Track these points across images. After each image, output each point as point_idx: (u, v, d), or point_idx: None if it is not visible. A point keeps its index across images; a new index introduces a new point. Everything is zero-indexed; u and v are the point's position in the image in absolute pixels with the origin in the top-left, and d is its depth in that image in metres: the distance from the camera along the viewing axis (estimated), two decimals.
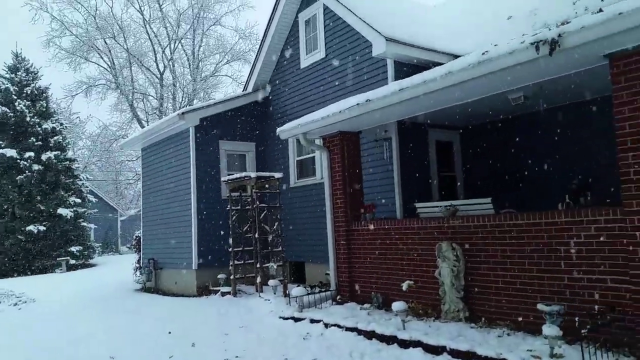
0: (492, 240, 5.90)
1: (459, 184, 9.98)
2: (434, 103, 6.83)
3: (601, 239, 4.89)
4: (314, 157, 10.98)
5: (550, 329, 4.27)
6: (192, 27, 31.55)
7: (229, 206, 10.35)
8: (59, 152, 22.61)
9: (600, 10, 4.67)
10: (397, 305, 5.80)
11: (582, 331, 4.21)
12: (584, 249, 5.02)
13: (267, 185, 10.40)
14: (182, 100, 31.71)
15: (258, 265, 9.80)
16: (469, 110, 8.31)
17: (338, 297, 7.91)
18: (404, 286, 6.51)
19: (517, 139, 8.85)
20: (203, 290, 11.00)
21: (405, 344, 5.42)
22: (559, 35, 4.77)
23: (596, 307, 4.59)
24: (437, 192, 9.49)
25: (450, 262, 6.05)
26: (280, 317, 7.44)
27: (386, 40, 8.66)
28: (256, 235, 9.85)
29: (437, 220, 6.65)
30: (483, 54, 5.51)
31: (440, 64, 7.98)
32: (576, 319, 4.51)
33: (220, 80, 34.31)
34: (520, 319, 5.52)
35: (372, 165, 9.29)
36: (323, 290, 8.12)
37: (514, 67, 5.28)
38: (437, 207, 6.90)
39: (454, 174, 9.98)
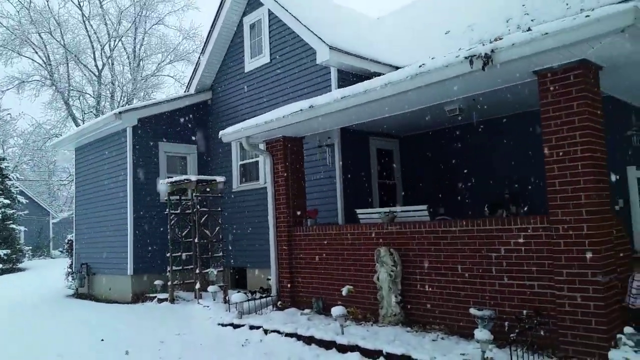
0: (428, 246, 6.08)
1: (398, 191, 10.22)
2: (374, 112, 6.97)
3: (530, 246, 5.15)
4: (257, 161, 10.90)
5: (481, 334, 4.44)
6: (134, 25, 30.54)
7: (167, 210, 10.07)
8: None
9: (529, 29, 4.95)
10: (336, 310, 5.85)
11: (511, 335, 4.41)
12: (513, 256, 5.27)
13: (208, 189, 10.21)
14: (121, 99, 30.57)
15: (197, 271, 9.59)
16: (408, 120, 8.56)
17: (279, 302, 7.87)
18: (344, 291, 6.57)
19: (453, 149, 9.20)
20: (139, 297, 10.62)
21: (343, 349, 5.47)
22: (492, 51, 5.00)
23: (524, 311, 4.82)
24: (378, 198, 9.68)
25: (388, 267, 6.18)
26: (219, 324, 7.30)
27: (330, 48, 8.77)
28: (196, 240, 9.64)
29: (376, 226, 6.78)
30: (420, 66, 5.69)
31: (382, 74, 8.17)
32: (506, 323, 4.72)
33: (162, 80, 33.46)
34: (454, 323, 5.71)
35: (315, 172, 9.34)
36: (264, 296, 8.06)
37: (450, 79, 5.48)
38: (377, 213, 7.04)
39: (394, 181, 10.22)
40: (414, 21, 12.21)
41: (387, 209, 6.95)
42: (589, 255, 4.63)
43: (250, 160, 11.16)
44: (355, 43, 9.63)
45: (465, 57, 5.20)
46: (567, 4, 8.28)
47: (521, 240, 5.20)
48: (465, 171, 8.94)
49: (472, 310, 5.14)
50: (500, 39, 5.19)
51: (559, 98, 4.96)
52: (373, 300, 6.50)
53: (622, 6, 4.34)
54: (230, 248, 11.09)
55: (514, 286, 5.22)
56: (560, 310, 4.76)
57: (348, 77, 9.17)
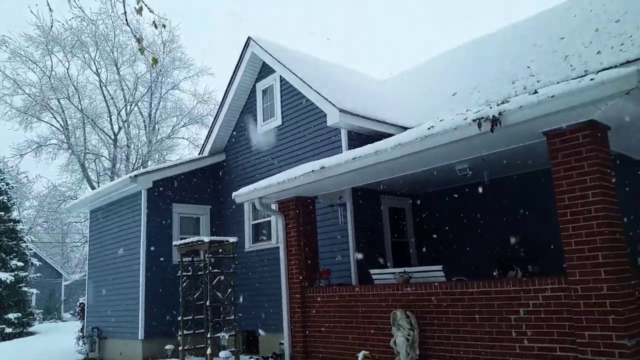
0: (445, 308, 5.96)
1: (411, 250, 10.14)
2: (384, 172, 7.08)
3: (549, 307, 5.04)
4: (269, 221, 10.95)
5: None
6: (150, 91, 31.68)
7: (179, 272, 10.03)
8: (3, 212, 21.56)
9: (536, 92, 5.09)
10: None
11: None
12: (532, 317, 5.15)
13: (220, 250, 10.20)
14: (136, 161, 31.22)
15: (209, 335, 9.41)
16: (420, 179, 8.63)
17: None
18: (360, 357, 6.40)
19: (466, 207, 9.19)
20: None
21: None
22: (500, 114, 5.13)
23: None
24: (392, 257, 9.60)
25: (405, 331, 6.04)
26: None
27: (340, 111, 9.03)
28: (207, 303, 9.53)
29: (391, 288, 6.68)
30: (429, 128, 5.84)
31: (390, 134, 8.37)
32: None
33: (177, 142, 34.08)
34: None
35: (328, 230, 9.35)
36: None
37: (458, 141, 5.59)
38: (392, 273, 6.97)
39: (407, 240, 10.16)
40: (420, 83, 12.57)
41: (401, 270, 6.88)
42: (611, 317, 4.52)
43: (263, 220, 11.21)
44: (365, 105, 9.90)
45: (474, 120, 5.33)
46: (571, 65, 8.51)
47: (540, 302, 5.10)
48: (478, 230, 8.89)
49: None
50: (508, 101, 5.34)
51: (569, 158, 5.02)
52: None
53: (625, 70, 4.49)
54: (242, 310, 10.93)
55: (535, 349, 5.07)
56: None
57: (357, 138, 9.36)
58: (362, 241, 9.02)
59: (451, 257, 8.92)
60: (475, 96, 9.70)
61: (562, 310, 4.92)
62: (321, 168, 7.25)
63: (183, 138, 39.35)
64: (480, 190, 8.98)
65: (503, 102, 5.37)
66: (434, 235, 9.75)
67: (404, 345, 6.01)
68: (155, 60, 6.60)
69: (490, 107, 5.39)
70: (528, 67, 9.52)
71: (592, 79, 4.61)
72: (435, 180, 8.93)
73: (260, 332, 10.59)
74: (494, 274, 6.95)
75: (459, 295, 5.86)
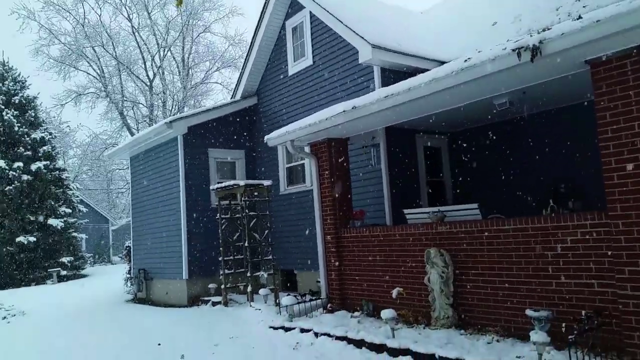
0: (480, 246, 5.91)
1: (447, 189, 10.01)
2: (419, 109, 6.87)
3: (587, 243, 4.92)
4: (303, 164, 10.97)
5: (537, 336, 4.28)
6: (182, 35, 31.50)
7: (218, 215, 10.31)
8: (49, 162, 22.44)
9: (580, 18, 4.72)
10: (386, 313, 5.79)
11: (569, 337, 4.22)
12: (570, 254, 5.04)
13: (256, 193, 10.37)
14: (173, 107, 31.62)
15: (249, 274, 9.76)
16: (456, 116, 8.37)
17: (329, 305, 7.89)
18: (394, 293, 6.50)
19: (504, 144, 8.91)
20: (194, 300, 10.93)
21: (395, 353, 5.40)
22: (540, 42, 4.81)
23: (583, 312, 4.60)
24: (426, 197, 9.51)
25: (439, 269, 6.06)
26: (271, 327, 7.40)
27: (372, 47, 8.70)
28: (246, 244, 9.81)
29: (425, 227, 6.66)
30: (465, 60, 5.56)
31: (427, 70, 8.00)
32: (563, 324, 4.51)
33: (211, 87, 34.28)
34: (509, 325, 5.53)
35: (362, 172, 9.30)
36: (314, 298, 8.10)
37: (497, 73, 5.32)
38: (425, 213, 6.92)
39: (443, 179, 10.01)
40: (459, 14, 11.92)
41: (435, 209, 6.82)
42: None
43: (297, 163, 11.25)
44: (399, 40, 9.50)
45: (513, 50, 5.04)
46: None
47: (579, 237, 4.97)
48: (517, 167, 8.65)
49: (528, 312, 4.96)
50: (549, 28, 4.99)
51: (615, 87, 4.70)
52: (424, 303, 6.39)
53: None
54: (279, 251, 11.23)
55: (572, 285, 5.00)
56: (624, 311, 4.51)
57: (392, 75, 9.06)
58: (397, 181, 8.94)
59: (488, 196, 8.74)
60: (517, 25, 9.14)
61: (601, 246, 4.79)
62: (353, 108, 7.11)
63: (217, 82, 39.46)
64: (519, 125, 8.69)
65: (544, 30, 5.02)
66: (471, 174, 9.56)
67: (437, 282, 6.05)
68: (180, 1, 6.46)
69: (531, 36, 5.06)
70: None
71: None
72: (472, 117, 8.64)
73: (297, 271, 10.92)
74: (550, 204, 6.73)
75: (494, 233, 5.78)
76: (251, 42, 12.20)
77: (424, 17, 12.89)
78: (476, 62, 5.42)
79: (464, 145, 9.74)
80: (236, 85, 12.87)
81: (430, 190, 9.62)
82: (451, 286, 6.03)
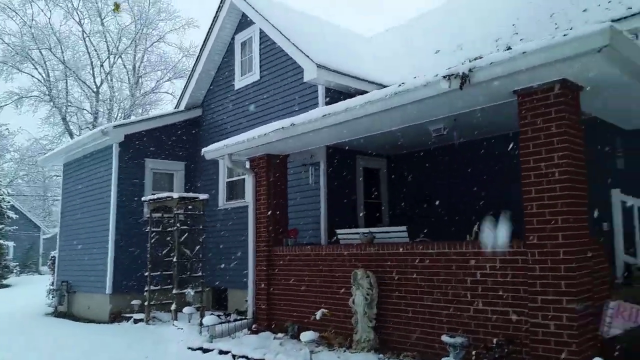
0: (405, 268, 5.88)
1: (384, 211, 10.03)
2: (356, 130, 6.88)
3: (505, 271, 4.96)
4: (244, 179, 10.74)
5: None
6: (134, 43, 30.74)
7: (148, 227, 9.86)
8: None
9: (509, 49, 4.85)
10: (306, 336, 5.62)
11: None
12: (489, 280, 5.07)
13: (190, 207, 10.03)
14: (118, 115, 30.60)
15: (175, 291, 9.35)
16: (395, 139, 8.45)
17: (254, 325, 7.61)
18: (318, 315, 6.35)
19: (439, 170, 9.05)
20: (116, 317, 10.34)
21: None
22: (470, 70, 4.90)
23: (494, 340, 4.59)
24: (363, 218, 9.49)
25: (364, 290, 5.96)
26: (189, 348, 7.04)
27: (317, 67, 8.71)
28: (174, 259, 9.42)
29: (354, 247, 6.58)
30: (400, 85, 5.62)
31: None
32: (473, 352, 4.48)
33: (161, 97, 33.31)
34: (427, 350, 5.48)
35: (300, 190, 9.19)
36: (239, 318, 7.81)
37: (429, 99, 5.40)
38: (356, 233, 6.85)
39: (380, 201, 10.04)
40: (406, 41, 12.20)
41: (366, 230, 6.77)
42: (564, 282, 4.44)
43: (237, 178, 11.00)
44: (345, 62, 9.58)
45: (444, 76, 5.12)
46: (555, 24, 8.24)
47: (497, 265, 5.01)
48: (451, 192, 8.79)
49: (444, 338, 4.93)
50: (481, 57, 5.10)
51: (538, 118, 4.83)
52: (348, 325, 6.26)
53: (599, 26, 4.24)
54: (213, 268, 10.86)
55: (488, 312, 5.01)
56: (533, 339, 4.55)
57: (335, 95, 9.07)
58: (335, 201, 8.87)
59: (421, 219, 8.83)
60: (459, 55, 9.39)
61: (518, 275, 4.84)
62: (291, 125, 7.04)
63: (167, 92, 38.57)
64: (454, 152, 8.85)
65: (475, 59, 5.13)
66: (407, 197, 9.63)
67: (362, 304, 5.94)
68: (117, 6, 6.22)
69: (463, 64, 5.15)
70: (513, 25, 9.24)
71: (565, 35, 4.38)
72: (410, 141, 8.73)
73: (229, 290, 10.59)
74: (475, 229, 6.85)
75: (419, 256, 5.77)
76: (199, 53, 11.99)
77: (372, 42, 13.12)
78: (409, 87, 5.49)
79: (402, 168, 9.83)
80: (181, 95, 12.56)
81: (367, 212, 9.60)
82: (374, 308, 5.94)
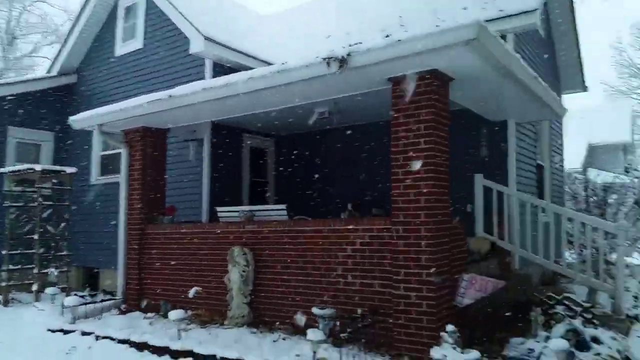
0: (282, 245, 5.94)
1: (269, 190, 10.05)
2: (239, 107, 6.77)
3: (373, 246, 5.20)
4: (120, 152, 10.08)
5: (313, 334, 4.36)
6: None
7: (7, 202, 8.91)
8: None
9: (387, 36, 5.03)
10: (174, 314, 5.47)
11: (342, 335, 4.36)
12: (358, 255, 5.29)
13: (56, 180, 9.20)
14: None
15: (36, 271, 8.58)
16: (283, 120, 8.47)
17: (123, 306, 7.26)
18: (191, 293, 6.21)
19: (323, 151, 9.27)
20: None
21: (176, 355, 5.10)
22: (348, 54, 5.01)
23: (358, 310, 4.82)
24: (248, 197, 9.42)
25: (240, 267, 5.93)
26: (49, 330, 6.51)
27: (205, 39, 8.42)
28: (35, 237, 8.62)
29: (234, 225, 6.52)
30: (282, 64, 5.62)
31: None
32: (337, 323, 4.67)
33: (39, 61, 30.12)
34: (300, 323, 5.59)
35: (182, 167, 8.87)
36: (107, 299, 7.38)
37: (310, 80, 5.46)
38: (236, 211, 6.77)
39: (267, 180, 10.04)
40: (300, 22, 12.20)
41: (247, 208, 6.73)
42: (424, 256, 4.77)
43: (114, 152, 10.27)
44: (237, 37, 9.34)
45: (324, 59, 5.19)
46: (438, 18, 8.71)
47: (366, 240, 5.25)
48: (333, 174, 9.05)
49: (314, 310, 5.07)
50: (360, 43, 5.23)
51: (409, 105, 5.09)
52: (224, 302, 6.20)
53: (468, 20, 4.54)
54: (84, 246, 10.15)
55: (357, 285, 5.25)
56: (396, 309, 4.85)
57: (224, 71, 8.81)
58: (219, 180, 8.68)
59: (305, 198, 9.00)
60: (346, 40, 9.55)
61: (383, 250, 5.10)
62: (169, 97, 6.75)
63: (46, 58, 34.88)
64: (338, 135, 9.08)
65: (356, 44, 5.26)
66: (293, 177, 9.72)
67: (237, 281, 5.91)
68: None
69: (343, 48, 5.26)
70: (400, 17, 9.62)
71: (437, 26, 4.63)
72: (297, 123, 8.76)
73: (100, 269, 9.99)
74: (348, 210, 7.12)
75: (295, 234, 5.86)
76: (78, 14, 10.97)
77: (266, 20, 12.96)
78: (291, 67, 5.51)
79: (289, 149, 9.89)
80: (54, 58, 11.44)
81: (253, 191, 9.55)
82: (250, 285, 5.94)
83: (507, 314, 5.05)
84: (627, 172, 18.22)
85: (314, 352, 4.37)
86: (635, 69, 30.46)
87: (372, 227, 5.23)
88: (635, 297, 7.63)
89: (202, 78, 8.79)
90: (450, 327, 4.15)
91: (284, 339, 5.26)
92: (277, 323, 5.77)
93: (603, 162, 23.52)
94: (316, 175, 9.29)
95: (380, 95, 5.72)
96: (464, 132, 7.93)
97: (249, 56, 9.11)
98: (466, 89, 5.82)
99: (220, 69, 8.81)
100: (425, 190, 4.88)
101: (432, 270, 4.70)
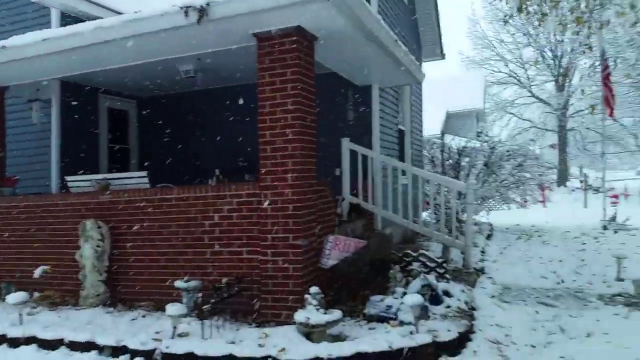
0: (142, 216, 5.49)
1: (133, 157, 9.30)
2: (90, 61, 6.08)
3: (241, 212, 5.01)
4: None
5: (173, 308, 4.09)
6: None
7: None
8: None
9: None
10: (13, 298, 4.80)
11: (204, 306, 4.16)
12: (225, 222, 5.07)
13: None
14: None
15: None
16: (144, 79, 7.80)
17: None
18: (37, 273, 5.52)
19: (191, 115, 8.75)
20: None
21: (17, 342, 4.50)
22: (207, 4, 4.66)
23: (223, 280, 4.64)
24: (107, 165, 8.62)
25: (94, 242, 5.38)
26: None
27: None
28: None
29: (87, 196, 5.87)
30: (135, 12, 5.06)
31: None
32: (199, 295, 4.46)
33: None
34: (163, 297, 5.25)
35: (25, 131, 7.81)
36: None
37: (167, 31, 5.01)
38: (89, 180, 6.11)
39: (129, 146, 9.26)
40: None
41: (100, 176, 6.13)
42: (292, 220, 4.71)
43: None
44: None
45: (181, 8, 4.77)
46: None
47: (234, 207, 5.04)
48: (201, 138, 8.61)
49: (177, 283, 4.80)
50: None
51: (275, 64, 4.90)
52: (75, 281, 5.61)
53: None
54: None
55: (225, 254, 5.05)
56: (264, 275, 4.76)
57: (75, 23, 7.77)
58: (72, 146, 7.76)
59: (173, 165, 8.45)
60: None
61: (252, 215, 4.94)
62: (2, 47, 5.82)
63: None
64: (207, 97, 8.61)
65: None
66: (158, 142, 9.06)
67: (91, 257, 5.36)
68: None
69: None
70: None
71: None
72: (161, 83, 8.15)
73: None
74: (217, 176, 6.82)
75: (158, 202, 5.43)
76: None
77: None
78: (145, 16, 5.02)
79: (153, 111, 9.15)
80: None
81: (113, 158, 8.75)
82: (106, 261, 5.43)
83: (369, 272, 5.23)
84: (479, 136, 20.11)
85: (174, 328, 4.11)
86: (487, 41, 33.34)
87: (241, 193, 5.02)
88: (482, 252, 8.48)
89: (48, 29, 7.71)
90: (314, 289, 4.16)
91: (143, 316, 4.89)
92: (138, 301, 5.39)
93: (459, 128, 25.75)
94: (184, 141, 8.78)
95: (249, 54, 5.44)
96: (333, 95, 7.99)
97: (103, 7, 8.14)
98: (332, 50, 5.76)
99: (72, 21, 7.77)
100: (293, 153, 4.78)
101: (300, 233, 4.66)
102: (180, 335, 4.15)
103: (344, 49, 5.87)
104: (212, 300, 4.18)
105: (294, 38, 4.83)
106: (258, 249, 4.84)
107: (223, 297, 4.29)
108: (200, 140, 8.66)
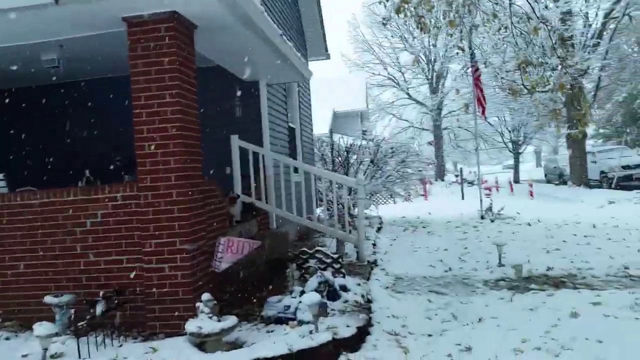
0: (1, 225, 4.73)
1: None
2: None
3: (119, 217, 4.52)
4: None
5: (40, 328, 3.52)
6: None
7: None
8: None
9: None
10: None
11: (79, 323, 3.65)
12: (100, 229, 4.54)
13: None
14: None
15: None
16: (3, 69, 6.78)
17: None
18: None
19: (57, 110, 7.78)
20: None
21: None
22: None
23: (101, 292, 4.13)
24: None
25: None
26: None
27: None
28: None
29: None
30: None
31: None
32: (72, 310, 3.93)
33: None
34: (32, 315, 4.55)
35: None
36: None
37: (23, 10, 4.30)
38: None
39: None
40: None
41: None
42: (177, 223, 4.33)
43: None
44: None
45: None
46: None
47: (110, 211, 4.52)
48: (73, 136, 7.74)
49: (47, 299, 4.19)
50: None
51: (150, 52, 4.46)
52: None
53: None
54: None
55: (101, 263, 4.51)
56: (148, 285, 4.33)
57: None
58: None
59: (38, 167, 7.47)
60: None
61: (131, 220, 4.47)
62: None
63: None
64: (77, 91, 7.75)
65: None
66: (19, 141, 7.96)
67: None
68: None
69: None
70: None
71: None
72: (20, 73, 7.09)
73: None
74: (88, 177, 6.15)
75: (19, 209, 4.72)
76: None
77: None
78: None
79: (14, 106, 7.99)
80: None
81: None
82: None
83: (266, 273, 5.03)
84: (364, 135, 20.83)
85: (44, 350, 3.54)
86: (367, 44, 34.72)
87: (116, 195, 4.52)
88: (374, 244, 8.67)
89: None
90: (205, 296, 3.84)
91: (7, 338, 4.22)
92: (2, 321, 4.64)
93: (345, 127, 26.58)
94: (51, 139, 7.82)
95: (121, 41, 4.91)
96: (221, 91, 7.62)
97: None
98: (213, 41, 5.42)
99: None
100: (175, 150, 4.39)
101: (187, 237, 4.30)
102: (53, 357, 3.60)
103: (224, 40, 5.53)
104: (88, 317, 3.66)
105: (171, 24, 4.43)
106: (140, 256, 4.38)
107: (103, 312, 3.79)
108: (71, 138, 7.77)
